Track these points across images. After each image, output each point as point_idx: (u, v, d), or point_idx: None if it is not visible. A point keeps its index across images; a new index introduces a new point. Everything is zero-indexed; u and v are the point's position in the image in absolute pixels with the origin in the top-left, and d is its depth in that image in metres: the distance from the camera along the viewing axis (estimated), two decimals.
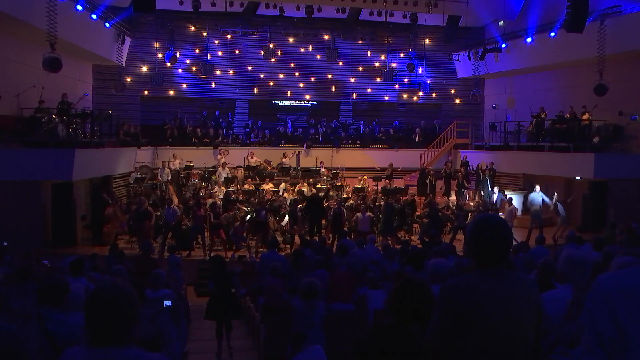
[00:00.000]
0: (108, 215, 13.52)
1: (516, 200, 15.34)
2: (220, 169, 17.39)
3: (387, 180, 17.52)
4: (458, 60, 20.91)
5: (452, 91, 22.38)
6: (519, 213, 15.21)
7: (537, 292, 2.37)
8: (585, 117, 15.60)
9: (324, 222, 13.95)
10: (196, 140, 19.44)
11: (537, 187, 14.53)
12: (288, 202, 14.44)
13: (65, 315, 3.34)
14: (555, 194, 14.82)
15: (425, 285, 2.67)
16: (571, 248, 6.12)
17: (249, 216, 13.65)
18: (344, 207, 14.29)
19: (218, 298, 7.42)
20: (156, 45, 19.97)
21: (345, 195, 15.80)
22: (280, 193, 15.82)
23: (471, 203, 15.10)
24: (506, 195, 16.11)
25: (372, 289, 6.98)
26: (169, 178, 16.75)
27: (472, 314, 2.22)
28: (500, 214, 13.96)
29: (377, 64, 21.95)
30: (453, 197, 16.79)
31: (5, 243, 9.73)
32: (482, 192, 16.89)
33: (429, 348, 2.32)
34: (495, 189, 16.24)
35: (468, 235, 2.40)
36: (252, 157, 18.39)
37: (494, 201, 15.46)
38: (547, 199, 14.30)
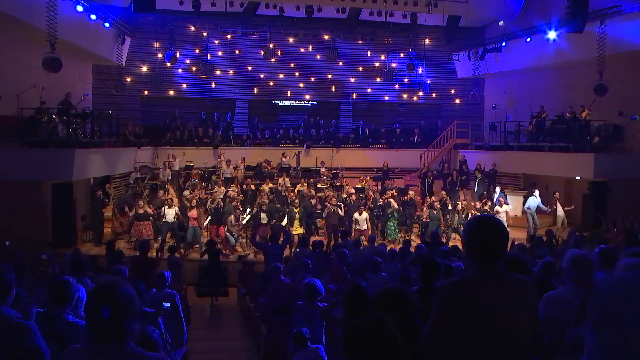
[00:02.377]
0: (106, 215, 13.50)
1: (515, 201, 15.28)
2: (224, 166, 17.38)
3: (388, 181, 17.49)
4: (458, 60, 20.89)
5: (452, 91, 22.38)
6: (519, 214, 15.18)
7: (534, 293, 2.37)
8: (585, 113, 15.56)
9: (322, 222, 13.97)
10: (196, 140, 19.45)
11: (537, 192, 14.50)
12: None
13: (73, 316, 3.35)
14: (557, 194, 14.79)
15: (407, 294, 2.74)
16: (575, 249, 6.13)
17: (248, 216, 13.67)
18: (345, 205, 14.28)
19: (208, 273, 8.45)
20: (156, 45, 19.97)
21: (345, 195, 15.79)
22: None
23: (458, 203, 14.90)
24: (507, 195, 16.04)
25: (373, 273, 7.01)
26: (169, 178, 16.75)
27: (470, 314, 2.22)
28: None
29: (377, 64, 21.95)
30: (462, 198, 16.66)
31: (7, 242, 9.76)
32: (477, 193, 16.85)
33: (427, 348, 2.32)
34: (497, 189, 16.05)
35: (466, 236, 2.40)
36: (243, 163, 18.26)
37: (494, 201, 15.33)
38: (543, 207, 14.35)
